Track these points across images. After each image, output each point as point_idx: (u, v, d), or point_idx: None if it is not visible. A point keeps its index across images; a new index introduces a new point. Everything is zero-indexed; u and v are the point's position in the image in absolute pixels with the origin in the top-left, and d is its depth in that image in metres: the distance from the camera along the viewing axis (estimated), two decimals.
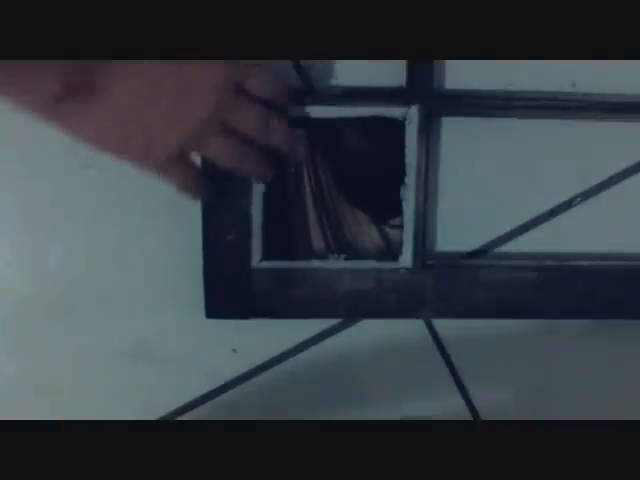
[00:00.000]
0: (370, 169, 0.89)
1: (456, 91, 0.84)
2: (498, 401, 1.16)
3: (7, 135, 0.81)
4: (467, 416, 1.01)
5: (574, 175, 0.89)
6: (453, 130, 0.86)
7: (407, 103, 0.79)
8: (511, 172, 0.88)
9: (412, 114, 0.79)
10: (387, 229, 0.88)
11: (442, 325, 0.94)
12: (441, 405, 1.01)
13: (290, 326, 1.03)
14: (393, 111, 0.80)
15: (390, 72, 0.81)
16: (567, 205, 0.90)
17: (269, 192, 0.82)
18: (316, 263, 0.85)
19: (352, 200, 0.88)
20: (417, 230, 0.82)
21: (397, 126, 0.80)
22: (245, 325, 0.90)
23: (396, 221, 0.86)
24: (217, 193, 0.79)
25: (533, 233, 0.91)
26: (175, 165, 0.65)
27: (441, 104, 0.82)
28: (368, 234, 0.90)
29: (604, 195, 0.90)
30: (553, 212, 0.90)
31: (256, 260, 0.83)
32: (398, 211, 0.84)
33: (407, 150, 0.80)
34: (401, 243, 0.83)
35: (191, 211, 0.88)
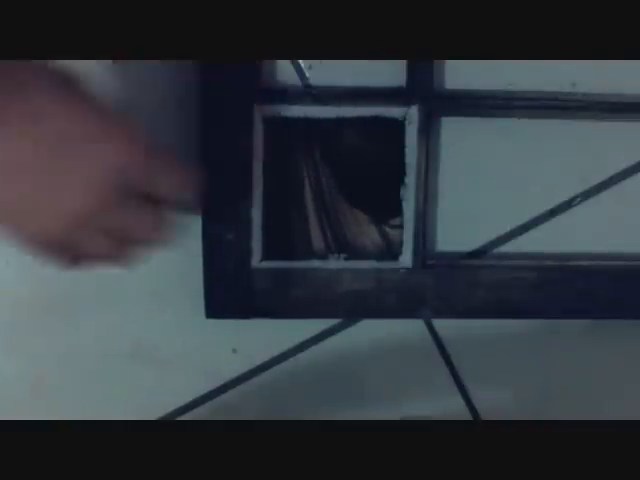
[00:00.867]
0: (370, 169, 0.88)
1: (456, 91, 0.84)
2: (498, 401, 1.16)
3: None
4: (467, 416, 1.01)
5: (574, 175, 0.89)
6: (453, 130, 0.86)
7: (407, 103, 0.79)
8: (511, 172, 0.88)
9: (412, 114, 0.79)
10: (387, 229, 0.88)
11: (442, 325, 0.94)
12: (441, 405, 1.01)
13: (290, 326, 1.03)
14: (393, 111, 0.80)
15: (390, 72, 0.81)
16: (567, 205, 0.90)
17: (269, 192, 0.82)
18: (316, 263, 0.85)
19: (352, 200, 0.88)
20: (417, 230, 0.82)
21: (397, 126, 0.80)
22: (245, 325, 0.90)
23: (396, 221, 0.86)
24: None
25: (533, 233, 0.91)
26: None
27: (441, 104, 0.82)
28: (368, 234, 0.90)
29: (604, 195, 0.90)
30: (553, 212, 0.90)
31: (256, 260, 0.83)
32: (398, 211, 0.84)
33: (407, 150, 0.80)
34: (401, 243, 0.83)
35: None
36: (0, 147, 0.44)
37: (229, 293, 0.85)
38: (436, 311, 0.87)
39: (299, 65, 0.83)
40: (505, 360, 1.01)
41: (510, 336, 1.08)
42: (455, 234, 0.90)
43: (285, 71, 0.83)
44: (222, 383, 1.00)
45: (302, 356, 1.09)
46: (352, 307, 0.87)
